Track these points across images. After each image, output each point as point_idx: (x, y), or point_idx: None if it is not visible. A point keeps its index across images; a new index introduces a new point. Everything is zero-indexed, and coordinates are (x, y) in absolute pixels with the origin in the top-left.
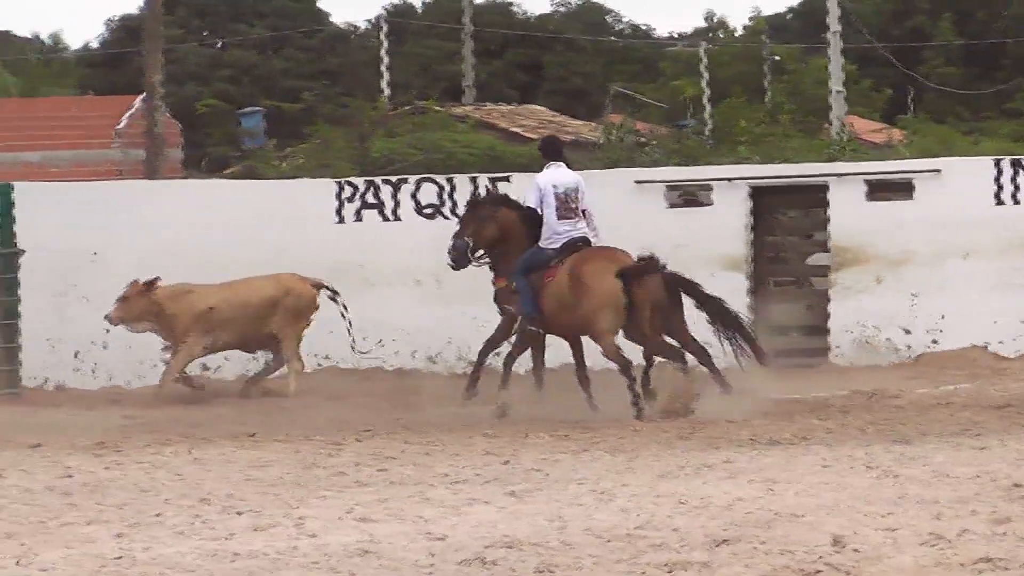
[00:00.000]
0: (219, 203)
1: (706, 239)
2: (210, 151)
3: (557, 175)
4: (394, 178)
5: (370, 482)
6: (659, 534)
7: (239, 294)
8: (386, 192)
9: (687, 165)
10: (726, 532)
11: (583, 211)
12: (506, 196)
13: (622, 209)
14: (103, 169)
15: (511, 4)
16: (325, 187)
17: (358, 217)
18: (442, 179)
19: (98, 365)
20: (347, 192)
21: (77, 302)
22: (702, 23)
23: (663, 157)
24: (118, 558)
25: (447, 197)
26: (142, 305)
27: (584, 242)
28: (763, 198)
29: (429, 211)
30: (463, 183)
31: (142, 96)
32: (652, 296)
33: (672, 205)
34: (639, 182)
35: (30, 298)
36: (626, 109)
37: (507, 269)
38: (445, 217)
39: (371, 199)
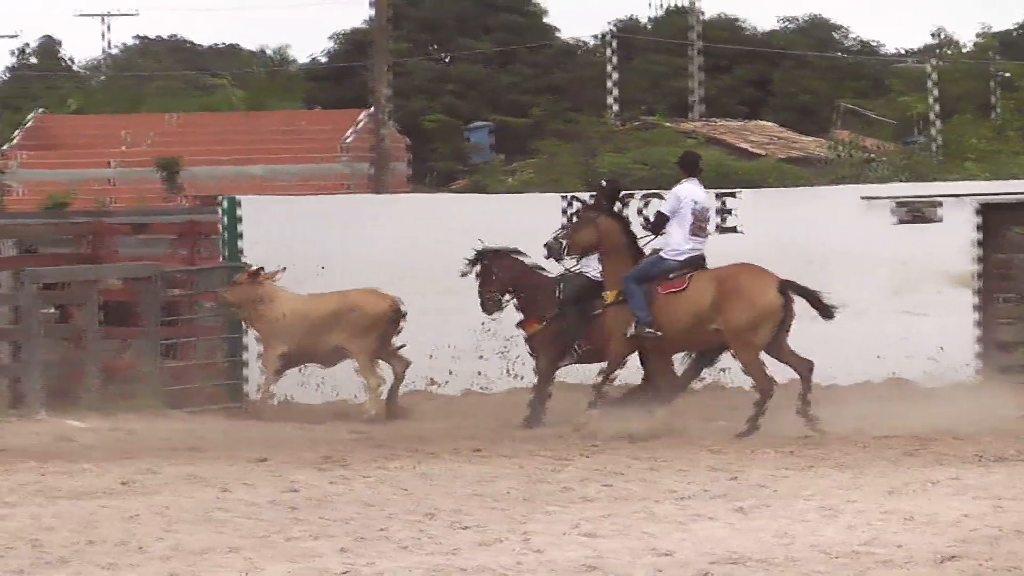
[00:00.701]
0: (445, 217)
1: (934, 255)
2: (437, 165)
3: (695, 191)
4: (622, 193)
5: (596, 497)
6: (885, 551)
7: (305, 306)
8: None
9: (915, 181)
10: (952, 549)
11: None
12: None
13: (849, 225)
14: (329, 183)
15: (739, 20)
16: (552, 202)
17: None
18: None
19: (324, 379)
20: (574, 207)
21: None
22: (930, 39)
23: (891, 173)
24: (343, 572)
25: None
26: (247, 292)
27: (703, 260)
28: (992, 215)
29: None
30: None
31: (368, 110)
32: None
33: (900, 221)
34: (866, 198)
35: None
36: (854, 125)
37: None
38: None
39: None
